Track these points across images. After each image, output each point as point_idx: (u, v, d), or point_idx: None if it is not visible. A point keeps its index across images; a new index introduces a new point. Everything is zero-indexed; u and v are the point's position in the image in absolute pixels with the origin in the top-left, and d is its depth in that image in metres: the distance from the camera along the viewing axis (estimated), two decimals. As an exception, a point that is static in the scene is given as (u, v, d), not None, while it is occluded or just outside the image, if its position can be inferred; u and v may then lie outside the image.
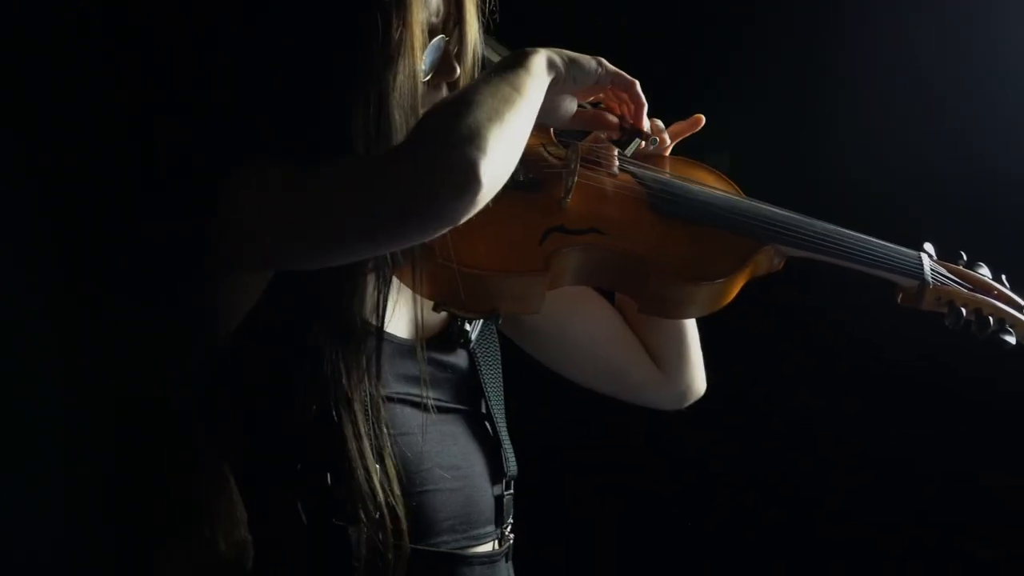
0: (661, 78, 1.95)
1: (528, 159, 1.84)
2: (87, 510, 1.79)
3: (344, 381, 1.67)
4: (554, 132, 1.95)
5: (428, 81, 1.74)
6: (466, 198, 1.52)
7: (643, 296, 1.82)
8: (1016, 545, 2.82)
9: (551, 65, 1.74)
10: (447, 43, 1.76)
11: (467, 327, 1.85)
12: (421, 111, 1.69)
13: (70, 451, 1.81)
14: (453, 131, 1.54)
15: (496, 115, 1.58)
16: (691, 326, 2.01)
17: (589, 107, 1.87)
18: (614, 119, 1.87)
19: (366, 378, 1.69)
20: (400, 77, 1.66)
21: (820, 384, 2.84)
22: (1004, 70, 2.72)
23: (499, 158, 1.55)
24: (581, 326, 2.00)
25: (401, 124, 1.65)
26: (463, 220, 1.55)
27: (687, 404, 2.06)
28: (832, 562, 2.92)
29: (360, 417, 1.67)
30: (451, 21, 1.76)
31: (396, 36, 1.65)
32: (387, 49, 1.65)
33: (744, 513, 2.94)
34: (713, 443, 2.88)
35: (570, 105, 1.82)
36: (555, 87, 1.75)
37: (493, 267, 1.76)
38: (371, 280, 1.70)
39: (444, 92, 1.77)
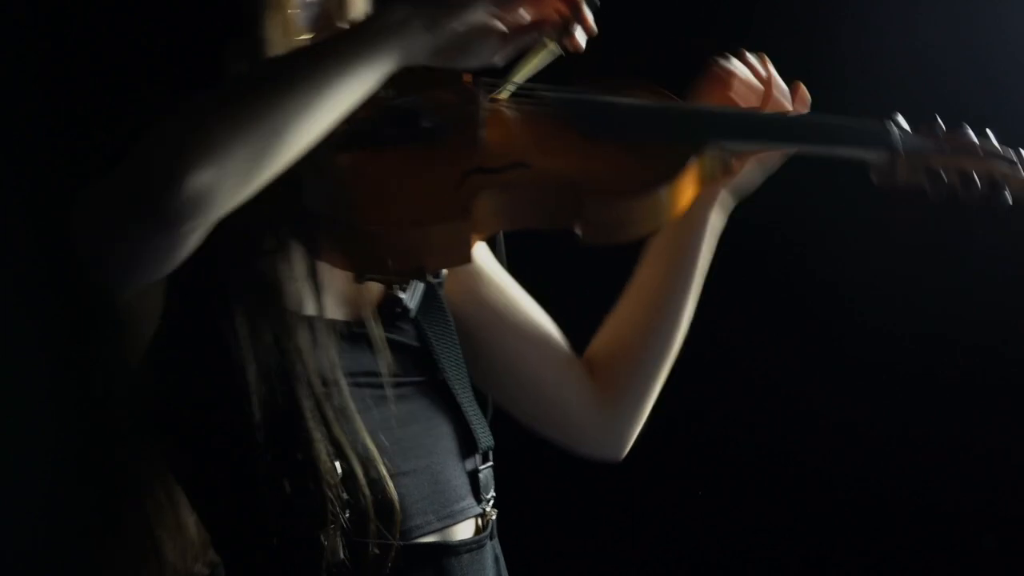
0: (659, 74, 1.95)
1: (432, 102, 1.73)
2: (32, 541, 1.74)
3: (288, 377, 1.59)
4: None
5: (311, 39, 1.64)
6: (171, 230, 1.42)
7: (584, 225, 1.67)
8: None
9: (391, 25, 1.51)
10: None
11: (401, 295, 1.74)
12: None
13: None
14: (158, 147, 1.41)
15: (236, 111, 1.42)
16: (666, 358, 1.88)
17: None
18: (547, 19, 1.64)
19: (312, 370, 1.60)
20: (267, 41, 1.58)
21: (820, 372, 2.85)
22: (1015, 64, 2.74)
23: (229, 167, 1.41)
24: (503, 338, 1.88)
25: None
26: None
27: (620, 455, 1.92)
28: (831, 554, 2.93)
29: (311, 415, 1.59)
30: None
31: None
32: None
33: (735, 481, 2.94)
34: (706, 407, 2.88)
35: (480, 46, 1.57)
36: (422, 36, 1.52)
37: (408, 220, 1.64)
38: (292, 266, 1.62)
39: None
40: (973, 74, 2.72)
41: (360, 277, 1.65)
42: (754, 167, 1.84)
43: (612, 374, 1.88)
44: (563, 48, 1.62)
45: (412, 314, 1.75)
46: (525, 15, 1.60)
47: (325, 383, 1.61)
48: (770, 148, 1.81)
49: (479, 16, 1.54)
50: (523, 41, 1.58)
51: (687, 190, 1.73)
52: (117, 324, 1.57)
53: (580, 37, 1.61)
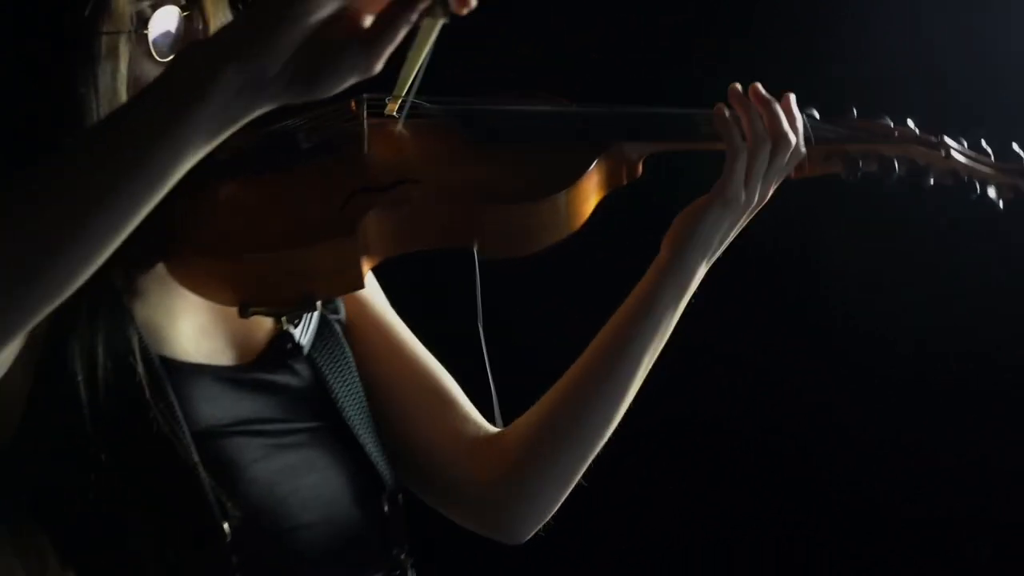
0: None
1: (310, 121, 1.61)
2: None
3: (163, 434, 1.43)
4: None
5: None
6: None
7: (482, 238, 1.55)
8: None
9: (193, 82, 1.18)
10: (187, 16, 1.50)
11: (292, 330, 1.59)
12: None
13: None
14: None
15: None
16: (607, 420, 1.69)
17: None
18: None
19: (194, 424, 1.45)
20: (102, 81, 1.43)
21: (817, 374, 2.82)
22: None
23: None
24: (391, 382, 1.72)
25: None
26: None
27: (517, 541, 1.74)
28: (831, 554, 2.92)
29: (192, 474, 1.43)
30: None
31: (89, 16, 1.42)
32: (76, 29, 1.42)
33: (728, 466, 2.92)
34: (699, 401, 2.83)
35: (335, 64, 1.20)
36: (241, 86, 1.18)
37: (288, 242, 1.49)
38: (156, 308, 1.49)
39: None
40: (973, 72, 2.68)
41: (244, 311, 1.50)
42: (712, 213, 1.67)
43: (521, 456, 1.70)
44: (450, 13, 1.20)
45: (305, 351, 1.60)
46: None
47: (209, 436, 1.47)
48: (684, 147, 1.70)
49: (311, 26, 1.18)
50: (394, 32, 1.19)
51: (591, 194, 1.62)
52: None
53: None
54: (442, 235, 1.57)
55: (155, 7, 1.49)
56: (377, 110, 1.62)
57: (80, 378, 1.43)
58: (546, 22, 2.65)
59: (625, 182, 1.67)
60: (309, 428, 1.59)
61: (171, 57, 1.50)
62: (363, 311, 1.72)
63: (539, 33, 2.65)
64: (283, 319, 1.60)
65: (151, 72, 1.48)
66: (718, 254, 1.69)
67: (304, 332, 1.61)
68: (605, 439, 1.70)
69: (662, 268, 1.68)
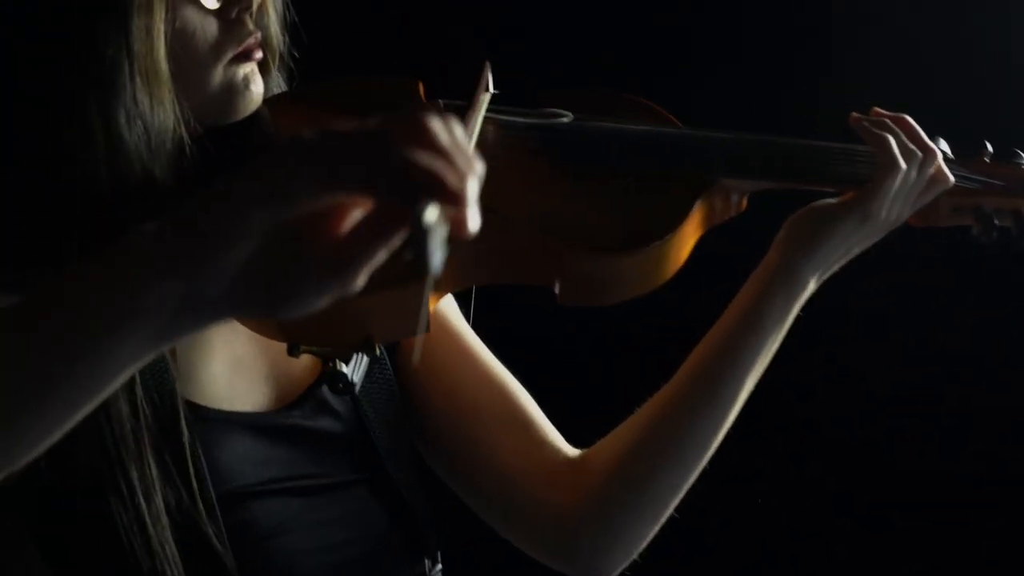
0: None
1: None
2: None
3: (183, 496, 1.27)
4: (424, 90, 1.47)
5: (220, 12, 1.31)
6: None
7: (564, 282, 1.36)
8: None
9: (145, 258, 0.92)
10: None
11: (343, 368, 1.36)
12: (220, 53, 1.31)
13: None
14: None
15: None
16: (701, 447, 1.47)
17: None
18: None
19: (219, 482, 1.29)
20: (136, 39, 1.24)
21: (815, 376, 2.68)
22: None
23: None
24: (463, 414, 1.51)
25: (143, 91, 1.24)
26: None
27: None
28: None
29: (216, 539, 1.27)
30: None
31: None
32: None
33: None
34: None
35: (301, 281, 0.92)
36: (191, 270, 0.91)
37: None
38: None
39: (249, 29, 1.33)
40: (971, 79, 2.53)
41: (293, 350, 1.31)
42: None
43: (607, 483, 1.49)
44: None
45: (356, 389, 1.38)
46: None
47: (236, 498, 1.31)
48: (792, 185, 1.49)
49: (265, 236, 0.90)
50: (368, 256, 0.91)
51: (689, 239, 1.42)
52: None
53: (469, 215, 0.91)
54: (518, 272, 1.37)
55: None
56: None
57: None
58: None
59: (727, 219, 1.47)
60: (348, 481, 1.41)
61: (217, 6, 1.30)
62: (434, 320, 1.50)
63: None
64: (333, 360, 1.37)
65: (196, 23, 1.30)
66: (832, 271, 1.48)
67: (356, 369, 1.37)
68: (702, 466, 1.49)
69: (771, 274, 1.46)
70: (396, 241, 0.90)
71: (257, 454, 1.34)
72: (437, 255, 0.86)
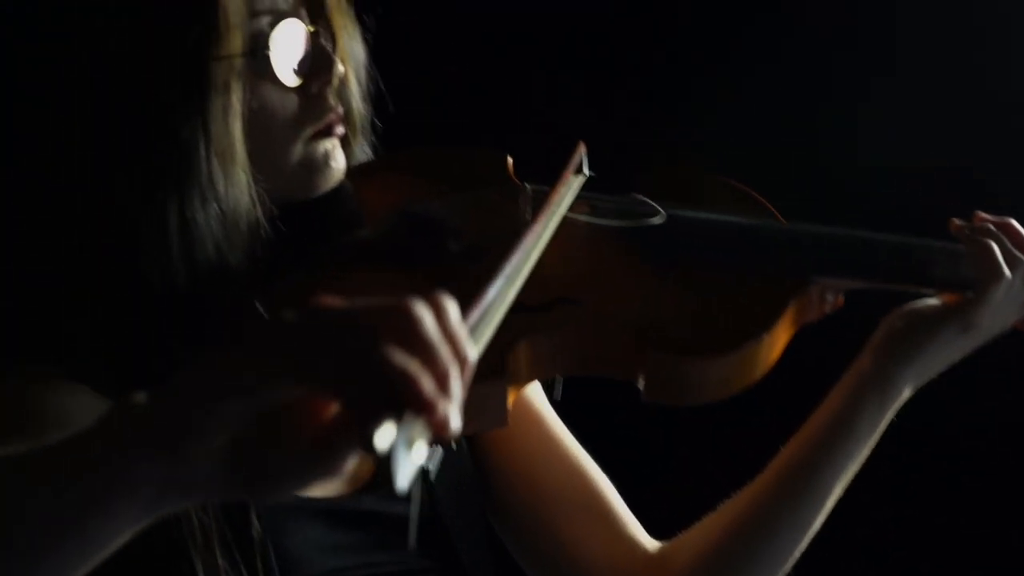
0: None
1: (464, 221, 1.35)
2: None
3: None
4: (511, 164, 1.44)
5: (302, 88, 1.28)
6: None
7: (646, 379, 1.30)
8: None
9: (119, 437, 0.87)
10: (314, 33, 1.28)
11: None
12: (300, 130, 1.28)
13: None
14: None
15: None
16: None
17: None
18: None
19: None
20: (210, 94, 1.20)
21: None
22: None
23: None
24: (540, 500, 1.46)
25: (218, 168, 1.21)
26: None
27: None
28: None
29: None
30: (312, 7, 1.30)
31: (198, 37, 1.20)
32: (183, 54, 1.20)
33: None
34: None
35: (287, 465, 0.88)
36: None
37: None
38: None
39: (331, 105, 1.29)
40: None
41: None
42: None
43: None
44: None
45: (432, 476, 1.36)
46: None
47: None
48: (894, 287, 1.42)
49: (244, 418, 0.86)
50: (351, 447, 0.86)
51: (781, 339, 1.36)
52: None
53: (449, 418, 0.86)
54: (600, 366, 1.32)
55: (274, 23, 1.25)
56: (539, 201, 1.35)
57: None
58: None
59: (820, 317, 1.40)
60: (420, 569, 1.36)
61: (298, 83, 1.26)
62: (517, 407, 1.43)
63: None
64: None
65: (275, 101, 1.26)
66: (931, 377, 1.41)
67: (432, 456, 1.34)
68: (787, 569, 1.44)
69: (864, 380, 1.40)
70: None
71: (328, 541, 1.29)
72: (404, 471, 0.81)
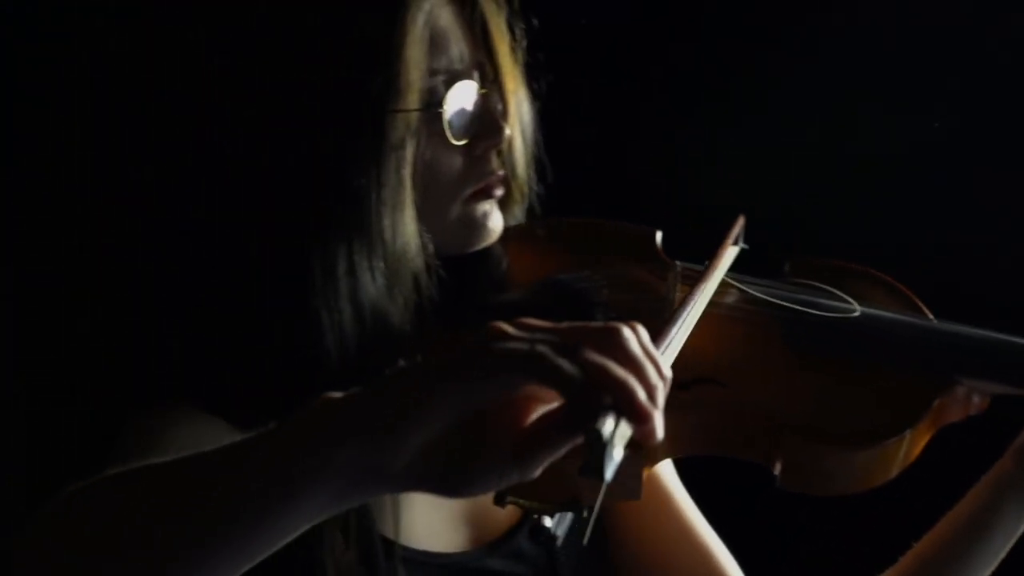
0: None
1: (611, 296, 1.37)
2: None
3: None
4: (660, 240, 1.45)
5: (468, 147, 1.31)
6: None
7: (783, 466, 1.30)
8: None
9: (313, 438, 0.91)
10: (485, 95, 1.31)
11: (547, 522, 1.30)
12: (461, 189, 1.30)
13: None
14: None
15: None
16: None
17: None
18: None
19: None
20: (386, 145, 1.23)
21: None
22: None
23: None
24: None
25: (389, 218, 1.23)
26: None
27: None
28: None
29: None
30: (485, 70, 1.33)
31: (381, 87, 1.23)
32: (365, 103, 1.22)
33: None
34: None
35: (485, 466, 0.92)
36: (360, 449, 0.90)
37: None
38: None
39: (493, 166, 1.32)
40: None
41: (500, 500, 1.26)
42: None
43: None
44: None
45: (558, 543, 1.32)
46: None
47: None
48: None
49: (458, 415, 0.91)
50: (549, 453, 0.92)
51: (922, 438, 1.34)
52: None
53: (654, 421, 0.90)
54: (737, 448, 1.31)
55: (450, 83, 1.28)
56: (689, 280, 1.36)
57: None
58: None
59: (963, 419, 1.37)
60: None
61: (465, 143, 1.29)
62: (648, 486, 1.40)
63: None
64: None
65: (441, 158, 1.29)
66: None
67: (560, 522, 1.33)
68: None
69: (1005, 485, 1.37)
70: (579, 440, 0.89)
71: None
72: (611, 464, 0.87)
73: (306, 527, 0.92)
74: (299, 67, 1.25)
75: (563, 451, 0.91)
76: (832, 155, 2.29)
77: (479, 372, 0.89)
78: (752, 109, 2.27)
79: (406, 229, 1.25)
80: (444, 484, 0.91)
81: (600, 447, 0.86)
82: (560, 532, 1.32)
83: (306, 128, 1.24)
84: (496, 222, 1.35)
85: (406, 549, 1.28)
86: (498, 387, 0.90)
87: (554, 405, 0.92)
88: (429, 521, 1.32)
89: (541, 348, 0.89)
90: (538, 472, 0.92)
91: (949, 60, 2.35)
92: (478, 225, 1.33)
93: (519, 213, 1.41)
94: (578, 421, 0.88)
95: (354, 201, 1.23)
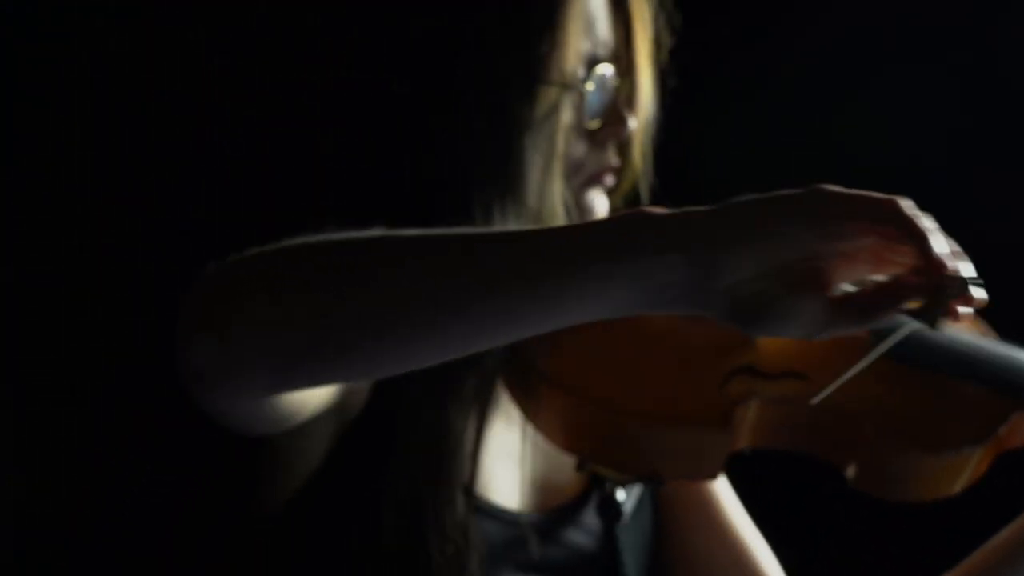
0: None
1: None
2: None
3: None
4: None
5: (592, 133, 1.32)
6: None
7: (859, 468, 1.32)
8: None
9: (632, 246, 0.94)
10: (618, 87, 1.33)
11: (619, 496, 1.36)
12: (576, 172, 1.31)
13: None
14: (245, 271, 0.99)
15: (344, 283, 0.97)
16: None
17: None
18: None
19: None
20: (539, 113, 1.24)
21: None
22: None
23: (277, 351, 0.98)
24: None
25: (538, 183, 1.24)
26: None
27: None
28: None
29: None
30: (621, 61, 1.34)
31: (542, 54, 1.24)
32: (526, 67, 1.24)
33: None
34: None
35: (793, 315, 0.96)
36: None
37: (658, 410, 1.28)
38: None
39: (611, 156, 1.33)
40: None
41: (584, 466, 1.31)
42: None
43: None
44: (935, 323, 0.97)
45: (624, 519, 1.37)
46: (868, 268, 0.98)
47: None
48: None
49: (800, 258, 0.95)
50: (867, 320, 0.97)
51: (988, 457, 1.37)
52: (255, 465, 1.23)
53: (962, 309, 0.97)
54: (814, 446, 1.33)
55: (590, 66, 1.29)
56: None
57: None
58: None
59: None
60: None
61: (596, 128, 1.30)
62: (701, 488, 1.48)
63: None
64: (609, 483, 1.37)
65: (572, 137, 1.29)
66: None
67: (629, 497, 1.37)
68: None
69: None
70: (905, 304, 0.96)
71: (506, 552, 1.30)
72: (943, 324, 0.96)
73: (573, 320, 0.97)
74: (473, 30, 1.26)
75: (874, 323, 0.96)
76: (832, 155, 2.30)
77: (841, 213, 0.93)
78: (752, 107, 2.27)
79: (555, 191, 1.27)
80: (746, 320, 0.95)
81: (942, 303, 0.95)
82: (628, 507, 1.36)
83: (471, 90, 1.25)
84: (601, 211, 1.35)
85: (479, 499, 1.29)
86: (852, 234, 0.94)
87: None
88: (504, 477, 1.32)
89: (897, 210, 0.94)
90: (827, 336, 0.97)
91: (949, 59, 2.37)
92: (585, 211, 1.34)
93: (619, 203, 1.42)
94: (929, 284, 0.93)
95: (513, 162, 1.24)
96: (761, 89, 2.38)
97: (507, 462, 1.33)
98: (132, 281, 1.51)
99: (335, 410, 1.21)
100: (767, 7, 2.44)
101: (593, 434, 1.28)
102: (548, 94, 1.25)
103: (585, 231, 0.99)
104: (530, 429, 1.31)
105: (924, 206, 1.07)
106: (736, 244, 0.93)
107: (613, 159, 1.34)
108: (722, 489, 1.49)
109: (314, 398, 1.15)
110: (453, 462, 1.25)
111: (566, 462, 1.32)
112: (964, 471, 1.34)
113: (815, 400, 1.29)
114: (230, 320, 0.98)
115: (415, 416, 1.23)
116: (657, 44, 1.37)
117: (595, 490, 1.38)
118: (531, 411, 1.30)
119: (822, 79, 2.38)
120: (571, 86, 1.26)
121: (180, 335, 1.00)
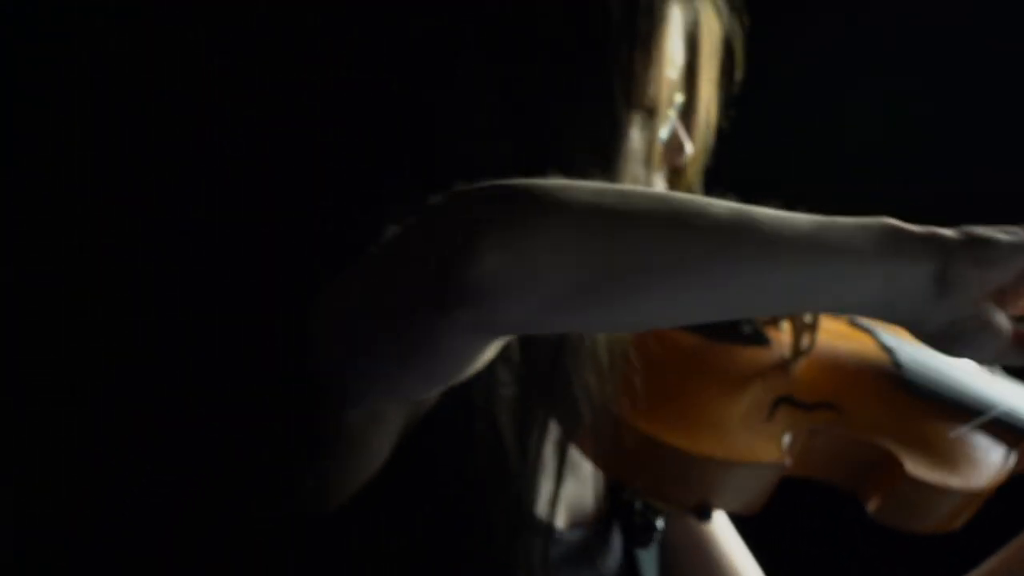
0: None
1: None
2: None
3: None
4: None
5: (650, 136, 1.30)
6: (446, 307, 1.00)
7: (883, 499, 1.35)
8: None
9: (887, 246, 1.00)
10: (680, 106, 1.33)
11: (658, 523, 1.37)
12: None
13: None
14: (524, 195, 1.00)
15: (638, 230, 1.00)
16: None
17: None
18: None
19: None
20: (636, 131, 1.23)
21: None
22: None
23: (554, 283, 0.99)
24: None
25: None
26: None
27: None
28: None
29: None
30: (684, 86, 1.32)
31: (640, 71, 1.22)
32: (628, 84, 1.22)
33: None
34: None
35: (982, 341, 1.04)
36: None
37: (723, 455, 1.30)
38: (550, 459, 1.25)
39: (660, 182, 1.32)
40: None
41: (631, 495, 1.35)
42: None
43: None
44: None
45: (652, 545, 1.38)
46: None
47: None
48: None
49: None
50: None
51: (999, 483, 1.42)
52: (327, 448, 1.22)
53: None
54: (841, 476, 1.37)
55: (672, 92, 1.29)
56: None
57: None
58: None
59: None
60: None
61: (665, 138, 1.30)
62: (704, 530, 1.49)
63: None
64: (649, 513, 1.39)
65: (636, 128, 1.27)
66: None
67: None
68: None
69: None
70: None
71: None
72: None
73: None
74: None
75: None
76: (830, 156, 2.30)
77: None
78: (752, 107, 2.26)
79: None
80: (940, 341, 1.02)
81: None
82: (660, 525, 1.38)
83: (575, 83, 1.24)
84: None
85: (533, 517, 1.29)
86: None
87: None
88: (543, 491, 1.31)
89: None
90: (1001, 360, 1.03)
91: (949, 59, 2.36)
92: None
93: None
94: None
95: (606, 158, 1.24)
96: (761, 89, 2.38)
97: (544, 477, 1.31)
98: (132, 281, 1.50)
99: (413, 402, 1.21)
100: (767, 7, 2.45)
101: (656, 473, 1.30)
102: (644, 119, 1.25)
103: (845, 225, 1.02)
104: (572, 448, 1.30)
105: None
106: (984, 268, 1.01)
107: (662, 181, 1.34)
108: (722, 527, 1.49)
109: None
110: (523, 484, 1.25)
111: (596, 482, 1.34)
112: (981, 498, 1.38)
113: (953, 435, 1.37)
114: (535, 244, 0.99)
115: (494, 434, 1.23)
116: (724, 71, 1.37)
117: (620, 512, 1.38)
118: (592, 449, 1.31)
119: (822, 79, 2.39)
120: (665, 112, 1.26)
121: (459, 250, 0.99)
